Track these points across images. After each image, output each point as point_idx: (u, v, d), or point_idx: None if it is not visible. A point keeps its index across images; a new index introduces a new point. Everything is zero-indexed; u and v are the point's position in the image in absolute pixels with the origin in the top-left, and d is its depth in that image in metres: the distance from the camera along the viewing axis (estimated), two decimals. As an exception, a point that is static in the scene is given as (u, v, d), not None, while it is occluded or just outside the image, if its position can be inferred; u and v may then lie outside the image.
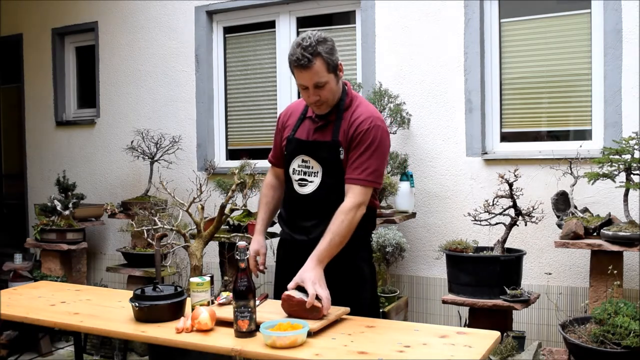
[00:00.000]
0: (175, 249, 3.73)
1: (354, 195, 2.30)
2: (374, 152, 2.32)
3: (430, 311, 4.22)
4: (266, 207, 2.63)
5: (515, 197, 3.35)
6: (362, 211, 2.33)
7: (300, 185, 2.44)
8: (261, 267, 2.60)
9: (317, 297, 2.13)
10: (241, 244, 2.08)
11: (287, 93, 4.88)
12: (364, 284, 2.47)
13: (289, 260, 2.45)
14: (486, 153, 4.09)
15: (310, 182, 2.41)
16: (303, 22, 4.84)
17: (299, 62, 2.24)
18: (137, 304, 2.24)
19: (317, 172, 2.40)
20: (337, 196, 2.35)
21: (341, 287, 2.32)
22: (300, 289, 2.18)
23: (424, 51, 4.23)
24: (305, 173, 2.43)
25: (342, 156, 2.35)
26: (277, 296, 2.49)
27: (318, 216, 2.39)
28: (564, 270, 3.85)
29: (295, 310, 2.16)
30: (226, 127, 5.21)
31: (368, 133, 2.31)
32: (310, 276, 2.18)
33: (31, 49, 6.12)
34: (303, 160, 2.43)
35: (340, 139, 2.35)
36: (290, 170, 2.47)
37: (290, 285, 2.20)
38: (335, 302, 2.21)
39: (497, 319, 3.30)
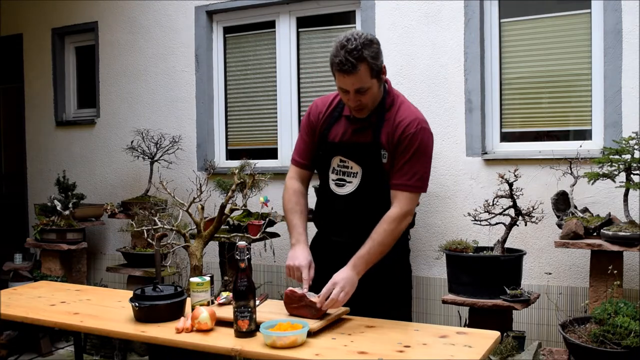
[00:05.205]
0: (175, 249, 3.73)
1: (400, 204, 2.25)
2: (421, 157, 2.27)
3: (430, 311, 4.22)
4: (303, 216, 2.41)
5: (515, 197, 3.35)
6: (408, 221, 2.29)
7: (338, 185, 2.37)
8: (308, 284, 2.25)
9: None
10: (241, 244, 2.08)
11: (287, 93, 4.88)
12: (394, 283, 2.41)
13: (324, 261, 2.34)
14: (486, 153, 4.09)
15: (349, 182, 2.34)
16: (303, 22, 4.84)
17: (342, 67, 2.13)
18: (137, 304, 2.24)
19: (357, 173, 2.33)
20: (376, 197, 2.31)
21: (373, 285, 2.30)
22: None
23: (423, 51, 4.23)
24: (344, 173, 2.35)
25: (384, 159, 2.27)
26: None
27: (356, 217, 2.34)
28: (564, 270, 3.85)
29: (295, 307, 2.17)
30: (226, 127, 5.21)
31: (415, 137, 2.24)
32: (338, 278, 2.16)
33: (31, 49, 6.12)
34: (341, 160, 2.35)
35: (384, 142, 2.27)
36: (330, 170, 2.38)
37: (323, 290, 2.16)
38: (365, 299, 2.22)
39: (497, 319, 3.30)
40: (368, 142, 2.29)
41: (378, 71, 2.20)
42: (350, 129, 2.33)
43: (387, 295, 2.39)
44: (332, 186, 2.38)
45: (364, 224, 2.28)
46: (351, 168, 2.34)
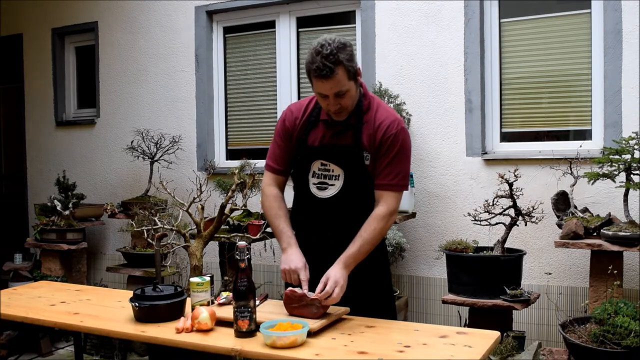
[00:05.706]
0: (175, 249, 3.73)
1: (387, 203, 2.29)
2: (403, 157, 2.32)
3: (430, 311, 4.22)
4: (287, 220, 2.41)
5: (515, 197, 3.35)
6: (394, 219, 2.34)
7: (320, 188, 2.38)
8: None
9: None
10: (241, 243, 2.08)
11: (287, 93, 4.88)
12: (378, 280, 2.45)
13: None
14: (486, 153, 4.09)
15: (331, 185, 2.36)
16: (303, 22, 4.84)
17: (320, 73, 2.15)
18: (137, 304, 2.24)
19: (338, 175, 2.35)
20: (359, 199, 2.34)
21: (357, 284, 2.31)
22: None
23: (424, 51, 4.23)
24: (325, 177, 2.37)
25: (367, 161, 2.31)
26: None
27: (339, 219, 2.36)
28: (564, 270, 3.85)
29: (295, 307, 2.17)
30: (226, 127, 5.21)
31: (397, 138, 2.29)
32: (332, 274, 2.20)
33: (31, 49, 6.12)
34: (322, 164, 2.37)
35: (366, 143, 2.30)
36: (310, 174, 2.40)
37: (319, 287, 2.18)
38: (350, 297, 2.23)
39: (497, 319, 3.30)
40: (349, 144, 2.33)
41: (354, 73, 2.24)
42: (329, 132, 2.36)
43: (371, 292, 2.42)
44: (314, 190, 2.40)
45: (348, 225, 2.32)
46: (332, 171, 2.36)
